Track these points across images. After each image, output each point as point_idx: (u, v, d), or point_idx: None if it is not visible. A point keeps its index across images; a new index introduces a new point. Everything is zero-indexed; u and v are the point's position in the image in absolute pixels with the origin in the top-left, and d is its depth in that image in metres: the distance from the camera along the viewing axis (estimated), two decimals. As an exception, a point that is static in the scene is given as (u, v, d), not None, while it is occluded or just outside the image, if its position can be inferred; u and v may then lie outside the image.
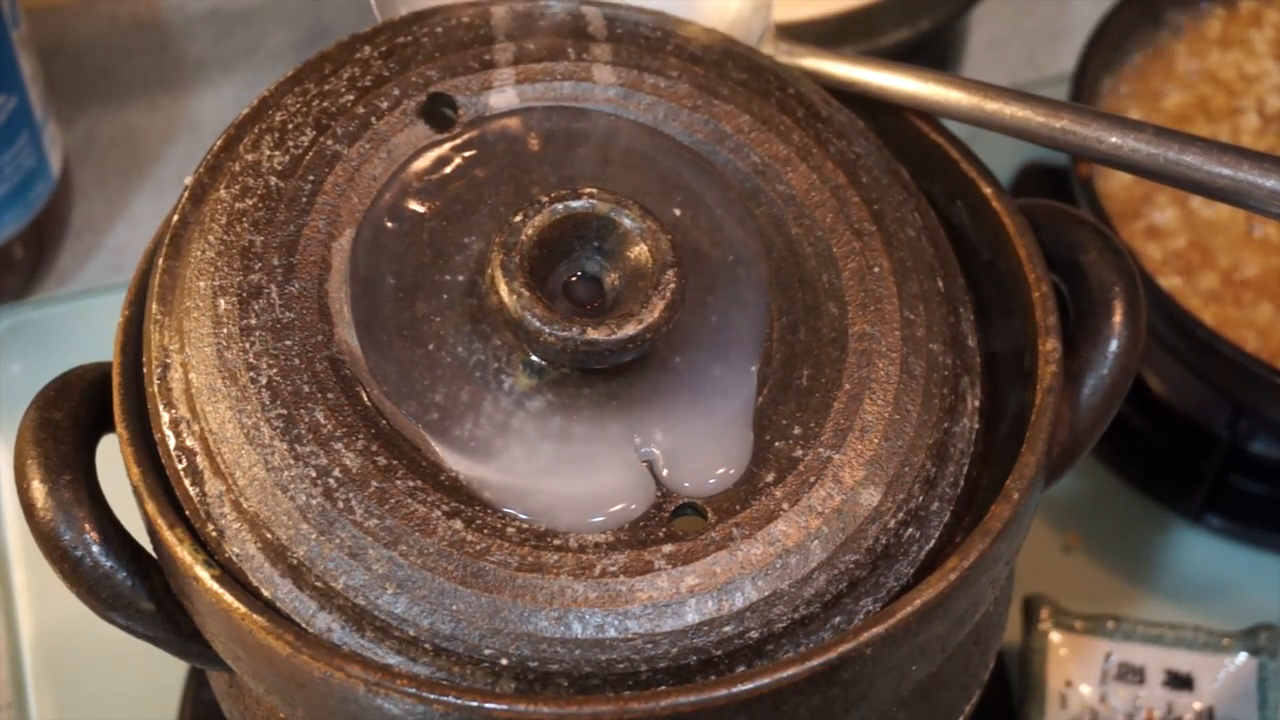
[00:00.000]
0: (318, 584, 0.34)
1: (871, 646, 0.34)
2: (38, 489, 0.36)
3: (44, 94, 0.65)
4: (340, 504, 0.35)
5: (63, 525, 0.36)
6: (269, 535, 0.35)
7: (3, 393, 0.62)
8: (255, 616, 0.34)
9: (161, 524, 0.35)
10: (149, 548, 0.37)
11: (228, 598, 0.34)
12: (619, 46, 0.42)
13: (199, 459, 0.36)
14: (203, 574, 0.35)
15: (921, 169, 0.43)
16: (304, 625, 0.34)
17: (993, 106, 0.40)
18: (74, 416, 0.37)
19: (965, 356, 0.39)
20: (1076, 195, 0.58)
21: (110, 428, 0.38)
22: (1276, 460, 0.60)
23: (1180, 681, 0.53)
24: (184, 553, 0.35)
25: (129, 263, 0.70)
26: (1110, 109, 0.60)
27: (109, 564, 0.36)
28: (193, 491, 0.36)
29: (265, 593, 0.35)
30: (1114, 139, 0.39)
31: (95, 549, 0.36)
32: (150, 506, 0.36)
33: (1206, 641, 0.54)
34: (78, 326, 0.64)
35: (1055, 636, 0.54)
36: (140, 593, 0.37)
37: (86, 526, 0.36)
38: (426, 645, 0.34)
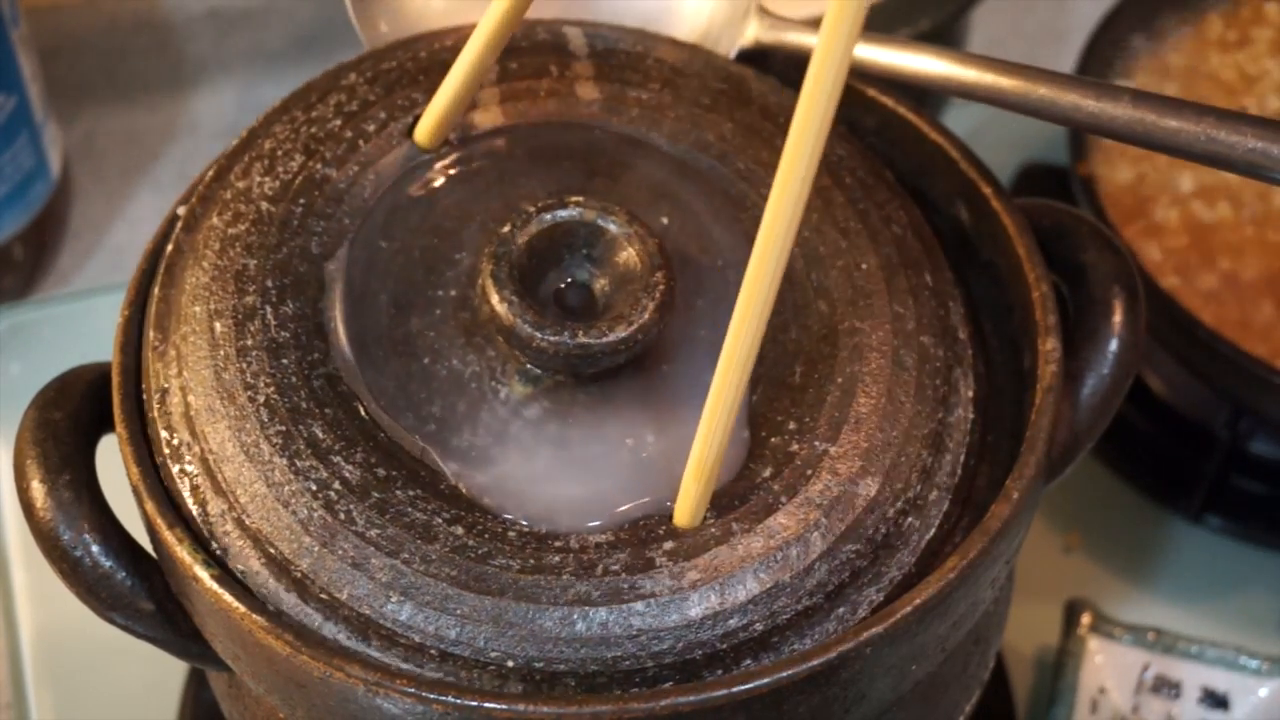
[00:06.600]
0: (322, 596, 0.35)
1: (871, 646, 0.34)
2: (37, 489, 0.36)
3: (44, 94, 0.65)
4: (341, 515, 0.35)
5: (62, 525, 0.36)
6: (272, 550, 0.35)
7: (3, 393, 0.62)
8: (255, 616, 0.34)
9: (161, 524, 0.36)
10: (149, 548, 0.37)
11: (228, 598, 0.34)
12: (600, 62, 0.42)
13: (200, 480, 0.36)
14: (203, 574, 0.35)
15: (921, 169, 0.43)
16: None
17: (970, 74, 0.40)
18: (74, 416, 0.37)
19: (957, 348, 0.39)
20: (1076, 195, 0.58)
21: (110, 428, 0.38)
22: (1276, 460, 0.60)
23: (1216, 701, 0.53)
24: (184, 553, 0.35)
25: (129, 263, 0.70)
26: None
27: (109, 564, 0.36)
28: (195, 512, 0.36)
29: (270, 607, 0.35)
30: (1091, 106, 0.38)
31: (95, 549, 0.36)
32: (150, 506, 0.36)
33: (1246, 663, 0.53)
34: (78, 326, 0.64)
35: (1094, 643, 0.54)
36: (140, 593, 0.37)
37: (86, 526, 0.36)
38: (432, 651, 0.34)
